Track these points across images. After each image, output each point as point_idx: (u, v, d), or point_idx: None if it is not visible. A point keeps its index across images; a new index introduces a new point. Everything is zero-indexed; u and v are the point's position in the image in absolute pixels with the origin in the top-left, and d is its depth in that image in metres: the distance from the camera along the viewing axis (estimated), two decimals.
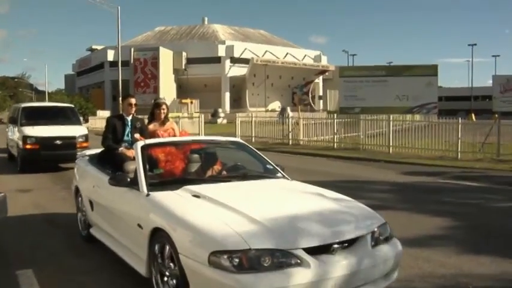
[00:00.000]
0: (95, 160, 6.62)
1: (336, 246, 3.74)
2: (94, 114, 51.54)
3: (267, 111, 57.19)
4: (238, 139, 6.53)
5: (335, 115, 22.61)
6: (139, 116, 7.35)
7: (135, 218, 4.59)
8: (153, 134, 6.68)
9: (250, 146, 6.03)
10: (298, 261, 3.55)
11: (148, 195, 4.57)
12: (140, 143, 5.33)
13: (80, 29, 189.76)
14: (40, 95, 74.78)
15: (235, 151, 6.16)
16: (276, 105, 69.89)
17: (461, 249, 5.89)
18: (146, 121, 7.15)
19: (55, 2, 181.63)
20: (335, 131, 21.21)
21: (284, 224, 3.82)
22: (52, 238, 6.69)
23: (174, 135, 6.76)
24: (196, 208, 4.14)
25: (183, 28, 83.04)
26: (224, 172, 5.52)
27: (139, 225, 4.46)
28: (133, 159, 5.39)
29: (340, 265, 3.65)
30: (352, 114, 21.45)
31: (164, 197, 4.47)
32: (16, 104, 20.24)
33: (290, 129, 23.36)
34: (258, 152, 5.94)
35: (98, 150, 6.98)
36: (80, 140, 14.22)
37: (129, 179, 4.85)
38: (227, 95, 70.58)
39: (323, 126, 22.56)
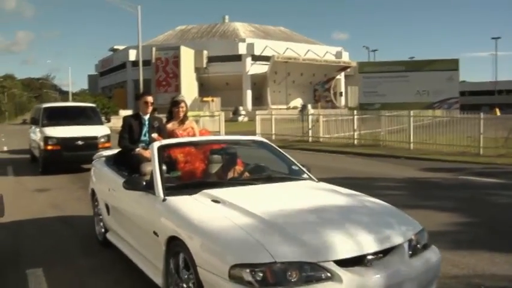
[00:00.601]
0: (111, 161, 6.41)
1: (370, 257, 3.42)
2: (116, 113, 52.08)
3: (288, 108, 57.05)
4: (260, 138, 6.14)
5: (355, 111, 22.40)
6: (158, 115, 7.21)
7: (150, 225, 4.32)
8: (172, 134, 6.36)
9: (274, 145, 5.70)
10: (329, 274, 3.24)
11: (164, 200, 4.27)
12: (156, 144, 5.03)
13: (103, 30, 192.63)
14: (64, 95, 75.88)
15: (257, 150, 5.82)
16: (297, 102, 69.62)
17: (475, 248, 5.76)
18: (165, 120, 6.78)
19: (78, 4, 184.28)
20: (355, 127, 21.03)
21: (313, 233, 3.47)
22: (65, 238, 6.76)
23: (194, 135, 6.45)
24: (216, 215, 3.80)
25: (204, 27, 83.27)
26: (246, 173, 5.21)
27: (155, 233, 4.19)
28: (151, 160, 5.11)
29: (375, 278, 3.32)
30: (372, 110, 21.22)
31: (181, 202, 4.17)
32: (38, 105, 20.01)
33: (310, 126, 23.24)
34: (282, 152, 5.60)
35: (115, 151, 6.76)
36: (102, 140, 13.97)
37: (144, 183, 4.56)
38: (248, 93, 70.56)
39: (343, 122, 22.40)
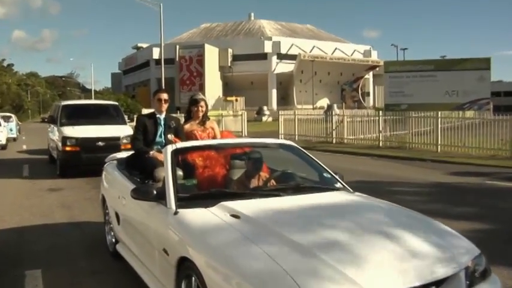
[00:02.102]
0: (123, 165, 5.98)
1: None
2: (140, 112, 52.51)
3: (315, 108, 56.70)
4: (288, 141, 5.58)
5: (380, 112, 22.12)
6: (175, 115, 6.86)
7: (160, 241, 3.91)
8: (190, 135, 5.95)
9: (303, 150, 5.25)
10: None
11: (176, 213, 3.82)
12: (170, 147, 4.56)
13: (127, 28, 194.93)
14: (87, 93, 77.16)
15: (284, 154, 5.40)
16: (324, 102, 69.26)
17: (495, 262, 5.51)
18: (183, 120, 6.40)
19: (102, 2, 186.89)
20: (380, 128, 20.77)
21: (354, 261, 2.97)
22: (70, 239, 6.77)
23: (214, 137, 6.04)
24: (235, 235, 3.32)
25: (229, 24, 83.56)
26: (272, 181, 4.78)
27: (165, 251, 3.78)
28: None
29: None
30: (398, 111, 20.92)
31: (196, 216, 3.72)
32: (56, 102, 19.52)
33: (334, 127, 23.05)
34: (312, 157, 5.13)
35: (128, 153, 6.39)
36: (125, 141, 13.05)
37: (155, 192, 4.10)
38: (274, 92, 70.51)
39: (368, 123, 22.17)
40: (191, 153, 4.97)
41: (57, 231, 7.21)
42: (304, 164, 5.06)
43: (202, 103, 6.10)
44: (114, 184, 5.78)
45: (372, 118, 22.64)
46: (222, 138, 6.07)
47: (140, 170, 5.49)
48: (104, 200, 6.28)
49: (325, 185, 4.67)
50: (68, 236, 6.93)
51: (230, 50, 69.99)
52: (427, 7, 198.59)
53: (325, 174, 4.84)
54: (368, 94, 74.46)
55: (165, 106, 6.11)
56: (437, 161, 15.71)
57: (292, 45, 70.90)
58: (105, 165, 6.63)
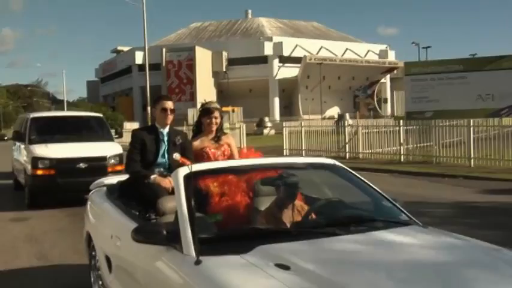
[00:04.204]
0: (115, 193, 5.52)
1: None
2: (121, 126, 52.42)
3: (324, 118, 56.69)
4: (329, 160, 5.02)
5: (401, 121, 22.01)
6: (179, 128, 6.49)
7: None
8: (201, 154, 5.56)
9: (350, 170, 4.77)
10: None
11: (198, 262, 3.23)
12: (183, 170, 4.03)
13: (105, 28, 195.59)
14: (59, 105, 76.93)
15: (325, 177, 5.01)
16: (334, 111, 69.43)
17: None
18: (190, 135, 6.02)
19: None
20: (401, 140, 20.61)
21: None
22: (38, 283, 6.48)
23: (231, 156, 5.67)
24: None
25: (223, 23, 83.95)
26: (313, 215, 4.26)
27: None
28: (172, 192, 4.33)
29: None
30: (422, 120, 20.76)
31: (227, 269, 3.14)
32: (23, 115, 17.94)
33: (347, 140, 22.94)
34: (364, 180, 4.61)
35: (122, 177, 5.90)
36: (113, 161, 12.55)
37: (165, 232, 3.54)
38: (276, 101, 70.64)
39: (387, 135, 22.06)
40: (208, 178, 4.51)
41: (22, 273, 6.90)
42: (353, 190, 4.56)
43: (216, 113, 5.68)
44: (105, 219, 5.29)
45: (391, 128, 22.60)
46: (242, 157, 5.67)
47: (138, 200, 5.10)
48: (89, 239, 5.70)
49: (389, 218, 4.17)
50: (35, 280, 6.61)
51: (225, 53, 70.19)
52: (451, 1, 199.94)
53: (383, 203, 4.37)
54: (385, 101, 74.45)
55: (171, 118, 5.62)
56: (470, 177, 15.63)
57: (296, 46, 71.14)
58: (90, 194, 6.16)
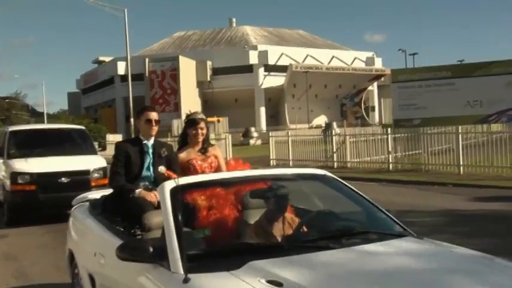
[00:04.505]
0: (99, 209, 5.41)
1: None
2: (103, 138, 52.16)
3: (311, 127, 56.84)
4: (321, 171, 5.00)
5: (389, 129, 22.10)
6: (164, 140, 6.46)
7: None
8: (187, 166, 5.51)
9: (341, 181, 4.74)
10: None
11: (187, 280, 3.16)
12: (169, 184, 4.01)
13: (85, 38, 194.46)
14: (39, 117, 76.27)
15: (315, 188, 4.98)
16: (321, 120, 69.51)
17: None
18: (176, 147, 5.97)
19: (54, 7, 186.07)
20: (389, 149, 20.68)
21: None
22: None
23: (218, 168, 5.63)
24: None
25: (207, 32, 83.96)
26: (304, 228, 4.21)
27: None
28: (158, 206, 4.31)
29: None
30: (410, 127, 20.87)
31: (218, 287, 3.14)
32: (1, 128, 17.87)
33: (335, 149, 22.98)
34: (356, 190, 4.57)
35: (106, 192, 5.81)
36: (96, 175, 12.38)
37: (151, 249, 3.47)
38: (262, 111, 70.63)
39: (375, 143, 22.12)
40: (195, 192, 4.42)
41: None
42: (345, 201, 4.51)
43: (202, 124, 5.66)
44: (88, 236, 5.19)
45: (379, 137, 22.61)
46: (230, 169, 5.61)
47: (123, 215, 5.00)
48: (71, 257, 5.58)
49: (382, 230, 4.12)
50: None
51: (209, 63, 70.15)
52: (437, 5, 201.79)
53: (377, 214, 4.33)
54: (373, 109, 74.79)
55: (155, 129, 5.53)
56: (460, 184, 15.75)
57: (281, 54, 71.22)
58: (73, 209, 6.04)
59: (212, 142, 6.03)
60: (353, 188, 4.61)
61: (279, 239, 4.02)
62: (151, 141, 5.53)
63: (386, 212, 4.33)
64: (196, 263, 3.32)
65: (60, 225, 10.06)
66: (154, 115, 5.54)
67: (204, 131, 5.67)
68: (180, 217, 3.65)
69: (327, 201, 4.76)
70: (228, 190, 4.57)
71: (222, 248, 3.75)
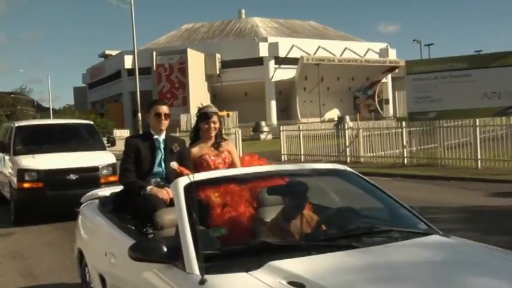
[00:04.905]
0: (109, 207, 5.38)
1: None
2: (111, 133, 52.28)
3: (323, 121, 56.71)
4: (341, 166, 4.95)
5: (403, 123, 22.00)
6: (175, 134, 6.34)
7: None
8: (199, 162, 5.46)
9: (362, 176, 4.68)
10: None
11: (203, 282, 3.09)
12: (183, 180, 3.95)
13: (91, 32, 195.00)
14: (45, 113, 76.58)
15: (335, 185, 4.90)
16: (334, 113, 69.39)
17: None
18: (188, 142, 5.88)
19: (60, 0, 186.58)
20: (404, 143, 20.59)
21: None
22: None
23: (231, 163, 5.55)
24: None
25: (216, 24, 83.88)
26: (323, 227, 4.13)
27: None
28: (171, 203, 4.35)
29: None
30: (425, 121, 20.75)
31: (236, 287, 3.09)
32: (6, 123, 17.93)
33: (348, 144, 22.93)
34: (378, 186, 4.51)
35: (116, 189, 5.78)
36: (105, 172, 12.33)
37: (165, 248, 3.42)
38: (273, 104, 70.50)
39: (389, 137, 22.04)
40: (210, 188, 4.37)
41: None
42: (366, 197, 4.43)
43: (214, 118, 5.58)
44: (98, 234, 5.18)
45: (394, 130, 22.54)
46: (245, 164, 5.56)
47: (134, 213, 4.97)
48: (81, 256, 5.55)
49: (407, 228, 3.99)
50: None
51: (218, 55, 70.10)
52: None
53: (400, 211, 4.23)
54: (387, 102, 74.53)
55: (165, 123, 5.51)
56: (477, 179, 15.67)
57: (292, 46, 71.05)
58: (81, 207, 6.03)
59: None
60: (374, 183, 4.53)
61: (297, 238, 3.95)
62: (162, 136, 5.51)
63: (410, 209, 4.22)
64: (212, 263, 3.25)
65: (66, 222, 10.16)
66: (164, 109, 5.53)
67: (217, 125, 5.60)
68: (195, 215, 3.59)
69: (347, 198, 4.69)
70: (243, 187, 4.51)
71: (240, 247, 3.64)
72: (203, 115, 5.60)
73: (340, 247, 3.51)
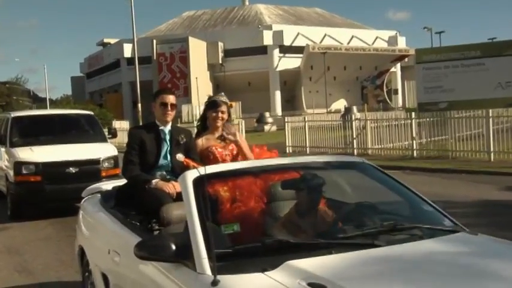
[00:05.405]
0: (111, 201, 5.30)
1: None
2: (109, 124, 52.23)
3: (329, 112, 56.66)
4: (359, 158, 4.93)
5: (413, 113, 21.96)
6: (180, 125, 6.08)
7: None
8: (206, 154, 5.34)
9: (381, 169, 4.54)
10: None
11: (216, 283, 2.99)
12: (191, 174, 3.83)
13: (89, 19, 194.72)
14: (41, 103, 76.65)
15: (352, 178, 4.78)
16: (341, 104, 69.38)
17: None
18: (194, 133, 5.77)
19: None
20: (414, 134, 20.54)
21: None
22: None
23: (237, 155, 5.38)
24: None
25: (218, 12, 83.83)
26: (339, 224, 4.00)
27: None
28: (177, 198, 4.32)
29: None
30: (436, 111, 20.70)
31: None
32: (2, 114, 17.59)
33: (355, 135, 22.89)
34: (399, 180, 4.39)
35: (118, 183, 5.70)
36: (107, 164, 12.17)
37: (173, 246, 3.31)
38: (277, 95, 70.55)
39: (398, 128, 21.98)
40: (219, 182, 4.25)
41: None
42: (385, 192, 4.30)
43: (223, 107, 5.42)
44: (100, 231, 5.08)
45: (403, 122, 22.49)
46: (254, 156, 5.35)
47: (138, 208, 4.89)
48: (82, 254, 5.46)
49: (432, 225, 3.85)
50: None
51: (221, 44, 70.10)
52: None
53: (423, 207, 4.08)
54: (396, 92, 74.43)
55: (171, 114, 5.39)
56: (490, 172, 15.64)
57: (297, 34, 71.01)
58: (82, 202, 5.92)
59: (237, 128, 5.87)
60: (394, 177, 4.40)
61: (312, 235, 3.84)
62: (168, 127, 5.40)
63: (434, 205, 4.08)
64: (225, 262, 3.14)
65: (64, 217, 10.17)
66: (170, 98, 5.40)
67: (225, 116, 5.44)
68: (205, 211, 3.46)
69: (364, 192, 4.57)
70: (253, 180, 4.40)
71: (254, 245, 3.44)
72: (212, 103, 5.49)
73: (362, 245, 3.39)
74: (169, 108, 5.32)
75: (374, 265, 3.14)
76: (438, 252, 3.36)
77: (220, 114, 5.38)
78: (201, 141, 5.43)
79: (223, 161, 5.24)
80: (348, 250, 3.32)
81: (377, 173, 4.44)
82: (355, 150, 22.65)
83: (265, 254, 3.26)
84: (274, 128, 50.16)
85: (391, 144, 21.93)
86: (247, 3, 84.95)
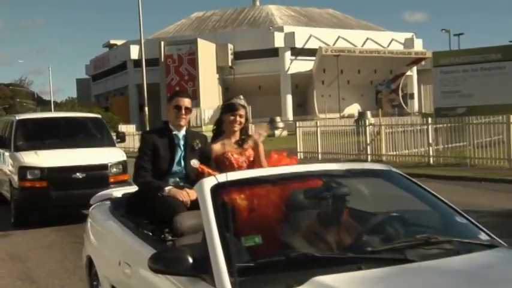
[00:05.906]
0: (122, 209, 5.20)
1: None
2: (115, 128, 52.38)
3: (342, 117, 56.59)
4: (385, 166, 4.74)
5: (429, 119, 21.88)
6: (193, 129, 5.90)
7: None
8: (222, 160, 5.26)
9: (409, 177, 4.39)
10: None
11: None
12: (209, 182, 3.74)
13: (96, 20, 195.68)
14: (45, 106, 77.04)
15: (377, 188, 4.63)
16: (354, 109, 69.28)
17: None
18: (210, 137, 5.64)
19: None
20: (430, 141, 20.45)
21: None
22: None
23: (254, 162, 5.32)
24: None
25: (228, 12, 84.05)
26: (366, 236, 3.88)
27: None
28: (191, 206, 4.28)
29: None
30: (454, 117, 20.61)
31: None
32: (6, 117, 17.66)
33: (369, 141, 22.83)
34: (429, 190, 4.24)
35: (129, 189, 5.64)
36: (115, 170, 12.08)
37: (190, 259, 3.20)
38: (289, 99, 70.60)
39: (414, 134, 21.89)
40: (235, 189, 4.07)
41: None
42: (414, 202, 4.18)
43: (241, 111, 5.32)
44: (110, 240, 4.97)
45: (419, 127, 22.35)
46: (272, 163, 5.28)
47: (150, 217, 4.80)
48: (90, 264, 5.37)
49: (467, 239, 3.70)
50: None
51: (230, 46, 70.26)
52: None
53: (457, 219, 3.93)
54: (411, 96, 74.35)
55: (185, 118, 5.28)
56: (511, 181, 15.41)
57: (310, 36, 71.10)
58: (91, 209, 5.82)
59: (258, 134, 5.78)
60: (424, 186, 4.26)
61: (338, 248, 3.67)
62: (182, 132, 5.30)
63: (468, 216, 3.94)
64: (246, 277, 3.04)
65: (67, 223, 10.18)
66: (186, 102, 5.29)
67: (243, 120, 5.35)
68: (224, 221, 3.36)
69: (392, 203, 4.46)
70: (271, 188, 4.26)
71: (278, 259, 3.29)
72: (229, 106, 5.39)
73: (393, 261, 3.27)
74: (183, 112, 5.23)
75: (408, 282, 3.05)
76: (478, 270, 3.24)
77: (238, 118, 5.30)
78: (217, 147, 5.34)
79: (239, 167, 5.16)
80: (378, 265, 3.21)
81: (405, 181, 4.32)
82: (369, 157, 22.53)
83: (289, 269, 3.14)
84: (285, 133, 50.29)
85: (407, 151, 21.76)
86: (258, 3, 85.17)
